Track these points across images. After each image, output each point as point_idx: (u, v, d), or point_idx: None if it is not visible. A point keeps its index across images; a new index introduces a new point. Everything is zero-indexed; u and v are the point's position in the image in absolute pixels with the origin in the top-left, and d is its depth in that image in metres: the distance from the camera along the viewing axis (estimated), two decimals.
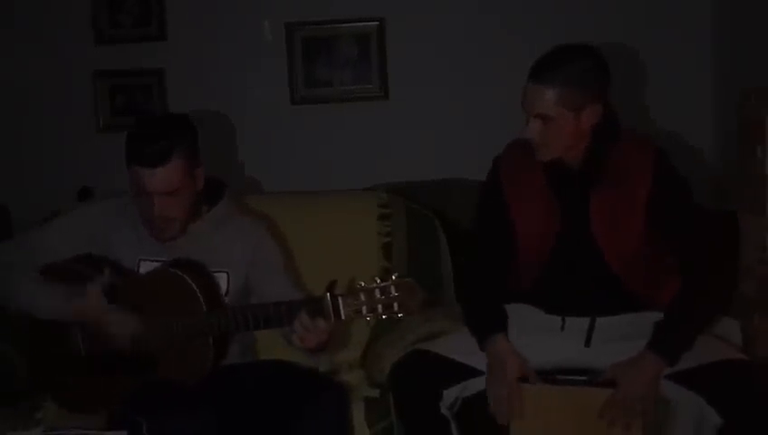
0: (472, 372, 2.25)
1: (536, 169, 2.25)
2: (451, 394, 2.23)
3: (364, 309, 2.06)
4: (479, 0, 3.78)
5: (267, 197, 3.13)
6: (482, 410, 2.24)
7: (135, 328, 2.24)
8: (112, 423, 2.19)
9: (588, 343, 2.24)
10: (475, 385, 2.26)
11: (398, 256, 2.82)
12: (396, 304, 2.05)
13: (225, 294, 2.35)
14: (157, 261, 2.31)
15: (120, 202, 2.37)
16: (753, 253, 2.50)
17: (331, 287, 2.08)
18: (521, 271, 2.31)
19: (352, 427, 2.35)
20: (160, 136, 2.20)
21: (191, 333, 2.22)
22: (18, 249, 2.38)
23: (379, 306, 2.05)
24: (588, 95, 2.12)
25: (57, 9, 3.83)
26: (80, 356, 2.34)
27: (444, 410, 2.23)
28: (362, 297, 2.05)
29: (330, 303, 2.06)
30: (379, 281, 2.06)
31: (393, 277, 2.06)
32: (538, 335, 2.24)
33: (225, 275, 2.35)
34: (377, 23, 3.79)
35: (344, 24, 3.81)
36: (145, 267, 2.33)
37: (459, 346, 2.28)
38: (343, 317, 2.07)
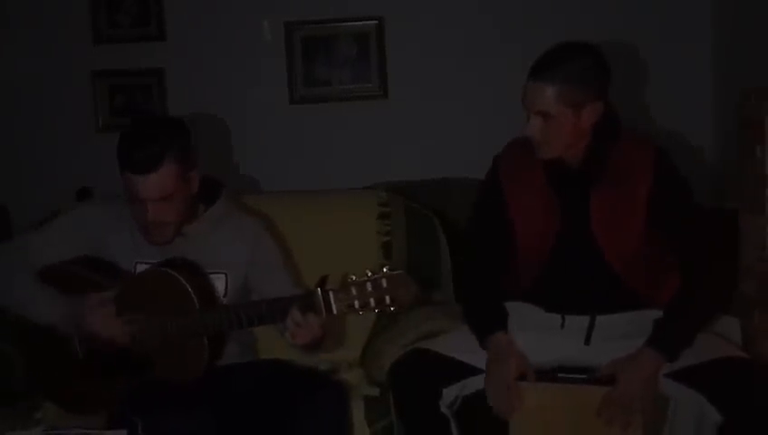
0: (472, 371, 2.25)
1: (536, 167, 2.25)
2: (451, 393, 2.23)
3: (356, 303, 2.05)
4: None
5: (266, 196, 3.13)
6: (482, 409, 2.24)
7: (131, 334, 2.23)
8: (112, 423, 2.19)
9: (587, 341, 2.24)
10: (475, 384, 2.26)
11: (397, 255, 2.82)
12: (388, 298, 2.04)
13: (224, 295, 2.34)
14: (153, 264, 2.31)
15: (117, 204, 2.36)
16: (752, 252, 2.50)
17: (322, 282, 2.07)
18: (520, 270, 2.31)
19: (352, 425, 2.35)
20: (151, 142, 2.18)
21: (185, 333, 2.21)
22: (16, 251, 2.37)
23: (371, 300, 2.04)
24: (588, 93, 2.13)
25: (55, 9, 3.83)
26: (77, 357, 2.34)
27: (444, 409, 2.22)
28: (354, 291, 2.04)
29: (320, 297, 2.06)
30: (370, 274, 2.05)
31: (384, 270, 2.05)
32: (538, 334, 2.24)
33: (223, 277, 2.35)
34: (376, 22, 3.79)
35: (343, 24, 3.81)
36: (141, 270, 2.32)
37: (459, 345, 2.28)
38: (335, 312, 2.06)
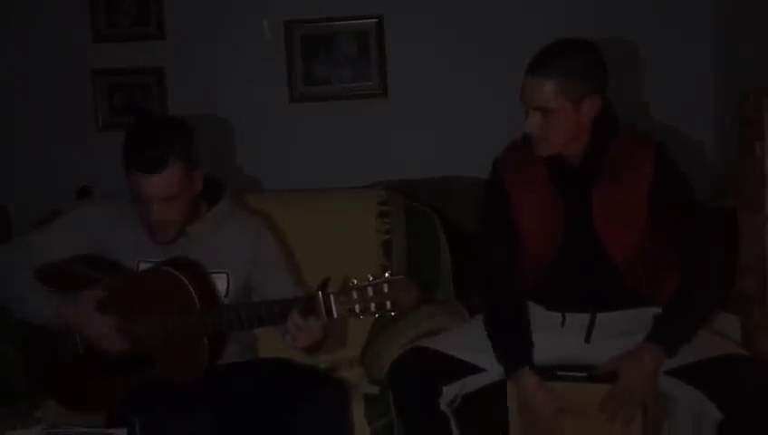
0: (472, 369, 2.25)
1: (537, 167, 2.25)
2: (451, 391, 2.23)
3: (357, 308, 2.05)
4: None
5: (266, 195, 3.13)
6: (482, 407, 2.24)
7: (124, 333, 2.24)
8: (112, 422, 2.19)
9: (588, 339, 2.24)
10: (475, 382, 2.26)
11: (397, 253, 2.82)
12: (389, 303, 2.04)
13: (226, 295, 2.34)
14: (155, 263, 2.31)
15: (120, 203, 2.36)
16: (752, 249, 2.51)
17: (323, 285, 2.07)
18: (526, 270, 2.30)
19: (352, 424, 2.35)
20: (157, 141, 2.20)
21: (186, 333, 2.21)
22: (17, 250, 2.38)
23: (372, 305, 2.04)
24: (587, 87, 2.13)
25: (55, 8, 3.83)
26: (79, 355, 2.34)
27: (443, 407, 2.22)
28: (355, 296, 2.05)
29: (321, 301, 2.06)
30: (372, 279, 2.05)
31: (386, 275, 2.06)
32: (539, 332, 2.24)
33: (225, 276, 2.35)
34: (375, 20, 3.79)
35: (343, 22, 3.81)
36: (144, 269, 2.33)
37: (459, 343, 2.28)
38: (335, 316, 2.06)
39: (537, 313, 2.28)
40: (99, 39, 3.84)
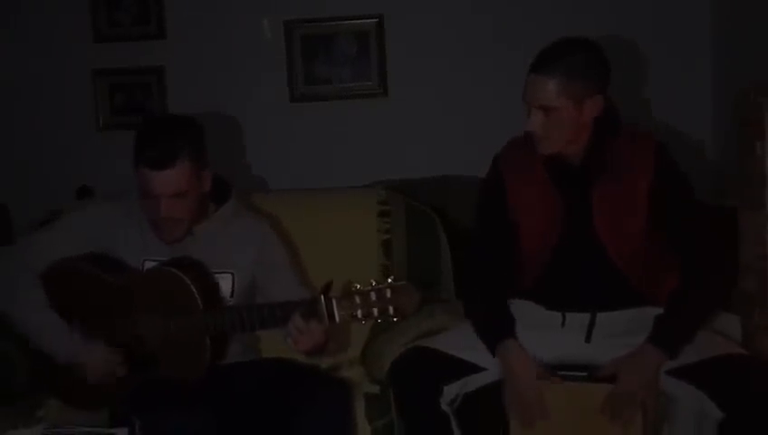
0: (472, 368, 2.25)
1: (537, 165, 2.25)
2: (451, 390, 2.23)
3: (359, 312, 2.05)
4: None
5: (266, 194, 3.13)
6: (483, 406, 2.24)
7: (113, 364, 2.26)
8: (114, 421, 2.20)
9: (588, 338, 2.24)
10: (476, 381, 2.26)
11: (397, 253, 2.82)
12: (391, 308, 2.04)
13: (231, 295, 2.35)
14: (160, 263, 2.31)
15: (126, 202, 2.37)
16: (752, 249, 2.51)
17: (325, 289, 2.08)
18: (523, 269, 2.31)
19: (355, 424, 2.35)
20: (168, 138, 2.21)
21: (188, 333, 2.22)
22: (19, 252, 2.38)
23: (375, 310, 2.05)
24: (589, 86, 2.13)
25: (55, 8, 3.83)
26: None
27: (444, 407, 2.22)
28: (357, 300, 2.05)
29: (324, 305, 2.06)
30: (374, 284, 2.05)
31: (389, 280, 2.06)
32: (539, 331, 2.25)
33: (230, 276, 2.35)
34: (376, 20, 3.79)
35: (343, 22, 3.80)
36: (149, 268, 2.33)
37: (459, 342, 2.28)
38: (337, 320, 2.06)
39: (537, 312, 2.28)
40: (99, 39, 3.84)
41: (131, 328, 2.26)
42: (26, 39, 3.84)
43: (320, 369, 2.45)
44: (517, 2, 3.78)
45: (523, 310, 2.29)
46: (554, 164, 2.23)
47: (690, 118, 3.68)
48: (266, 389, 2.27)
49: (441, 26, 3.81)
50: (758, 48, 3.25)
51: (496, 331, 2.26)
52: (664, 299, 2.19)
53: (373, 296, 2.04)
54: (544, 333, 2.25)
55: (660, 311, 2.18)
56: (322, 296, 2.06)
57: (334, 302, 2.06)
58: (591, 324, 2.23)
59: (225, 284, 2.34)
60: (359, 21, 3.80)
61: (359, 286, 2.06)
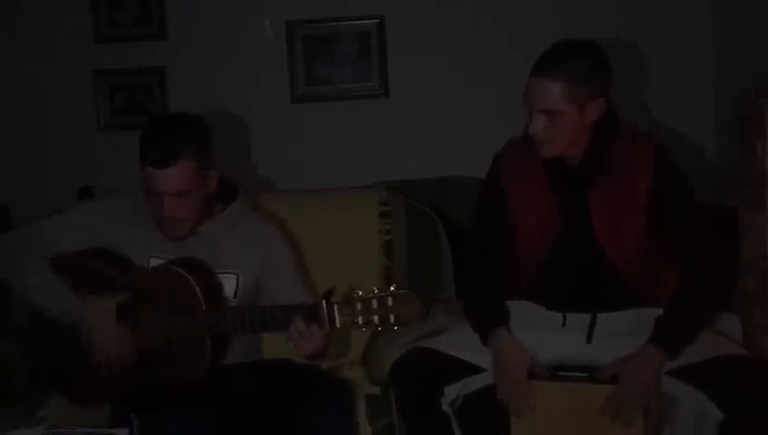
0: (473, 369, 2.25)
1: (537, 166, 2.25)
2: (452, 391, 2.24)
3: (360, 319, 2.06)
4: None
5: (267, 195, 3.13)
6: (483, 407, 2.24)
7: (126, 346, 2.25)
8: (115, 420, 2.20)
9: (589, 339, 2.24)
10: (477, 382, 2.27)
11: (398, 253, 2.82)
12: (392, 317, 2.06)
13: (234, 296, 2.35)
14: (166, 260, 2.32)
15: (133, 200, 2.38)
16: (753, 249, 2.51)
17: (327, 294, 2.08)
18: (522, 269, 2.31)
19: (358, 425, 2.35)
20: (170, 137, 2.22)
21: (189, 332, 2.22)
22: (31, 236, 2.37)
23: (376, 317, 2.06)
24: (592, 89, 2.13)
25: (56, 8, 3.83)
26: (84, 348, 2.34)
27: (445, 408, 2.23)
28: (359, 307, 2.06)
29: (325, 310, 2.07)
30: (377, 291, 2.06)
31: (391, 289, 2.07)
32: (539, 332, 2.25)
33: (234, 277, 2.36)
34: (377, 20, 3.79)
35: (344, 22, 3.80)
36: (154, 265, 2.34)
37: (460, 343, 2.28)
38: (338, 326, 2.08)
39: (537, 312, 2.29)
40: (100, 39, 3.83)
41: (134, 325, 2.26)
42: (27, 39, 3.84)
43: (320, 370, 2.45)
44: (518, 3, 3.77)
45: (523, 310, 2.29)
46: (553, 165, 2.23)
47: (690, 118, 3.68)
48: (267, 389, 2.27)
49: (442, 27, 3.81)
50: (758, 48, 3.25)
51: (489, 321, 2.26)
52: (664, 300, 2.19)
53: (374, 304, 2.05)
54: (545, 333, 2.25)
55: (661, 312, 2.18)
56: (324, 301, 2.07)
57: (336, 307, 2.07)
58: (592, 325, 2.24)
59: (228, 284, 2.34)
60: (360, 21, 3.80)
61: (360, 293, 2.07)
